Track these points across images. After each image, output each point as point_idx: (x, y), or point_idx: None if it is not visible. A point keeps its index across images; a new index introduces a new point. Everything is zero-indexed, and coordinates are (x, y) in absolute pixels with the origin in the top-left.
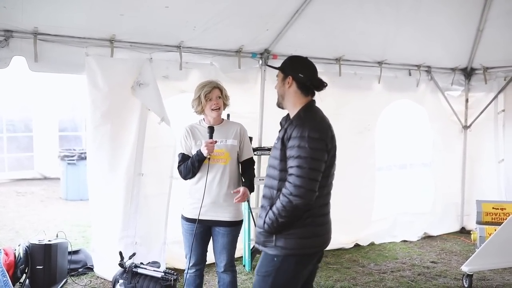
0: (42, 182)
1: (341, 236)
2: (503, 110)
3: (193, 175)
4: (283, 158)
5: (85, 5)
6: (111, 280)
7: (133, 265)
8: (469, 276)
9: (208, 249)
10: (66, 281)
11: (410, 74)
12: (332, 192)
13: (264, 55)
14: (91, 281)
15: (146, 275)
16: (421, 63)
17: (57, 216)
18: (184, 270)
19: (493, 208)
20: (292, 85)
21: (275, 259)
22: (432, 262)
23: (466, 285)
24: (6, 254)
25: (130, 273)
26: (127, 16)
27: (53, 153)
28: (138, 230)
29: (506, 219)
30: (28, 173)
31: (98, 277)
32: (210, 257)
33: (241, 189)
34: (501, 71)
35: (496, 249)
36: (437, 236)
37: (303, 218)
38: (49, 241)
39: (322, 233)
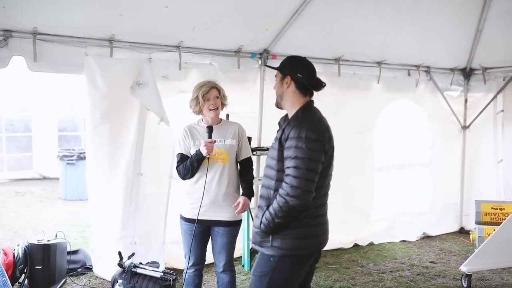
0: (41, 182)
1: (340, 236)
2: (502, 110)
3: (192, 175)
4: (281, 159)
5: (84, 5)
6: (110, 280)
7: (132, 265)
8: (468, 276)
9: (207, 249)
10: (65, 281)
11: (409, 74)
12: (331, 192)
13: (264, 55)
14: (90, 281)
15: (145, 275)
16: (420, 63)
17: (56, 216)
18: (183, 270)
19: (492, 208)
20: (291, 85)
21: (272, 259)
22: (431, 262)
23: (465, 285)
24: (5, 254)
25: (129, 273)
26: (127, 16)
27: (52, 153)
28: (137, 230)
29: (505, 219)
30: (27, 173)
31: (97, 277)
32: (209, 257)
33: (241, 200)
34: (500, 71)
35: (495, 249)
36: (436, 236)
37: (299, 219)
38: (48, 241)
39: (319, 234)
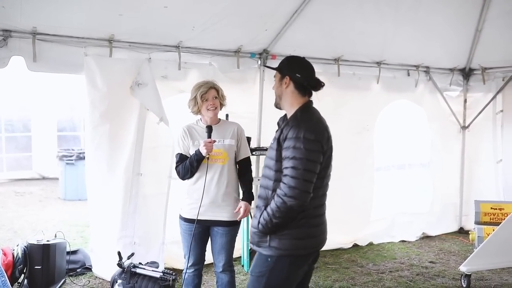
0: (41, 182)
1: (339, 236)
2: (502, 111)
3: (192, 175)
4: (279, 159)
5: (84, 5)
6: (109, 280)
7: (132, 265)
8: (468, 276)
9: (207, 249)
10: (65, 281)
11: (408, 75)
12: (331, 192)
13: (263, 55)
14: (89, 281)
15: (145, 275)
16: (420, 64)
17: (55, 216)
18: (183, 270)
19: (491, 208)
20: (290, 85)
21: (269, 259)
22: (430, 262)
23: (464, 285)
24: (5, 254)
25: (129, 273)
26: (126, 16)
27: (52, 153)
28: (137, 230)
29: (504, 219)
30: (26, 173)
31: (96, 277)
32: (209, 257)
33: (242, 206)
34: (499, 71)
35: (494, 249)
36: (435, 236)
37: (297, 219)
38: (48, 241)
39: (317, 234)
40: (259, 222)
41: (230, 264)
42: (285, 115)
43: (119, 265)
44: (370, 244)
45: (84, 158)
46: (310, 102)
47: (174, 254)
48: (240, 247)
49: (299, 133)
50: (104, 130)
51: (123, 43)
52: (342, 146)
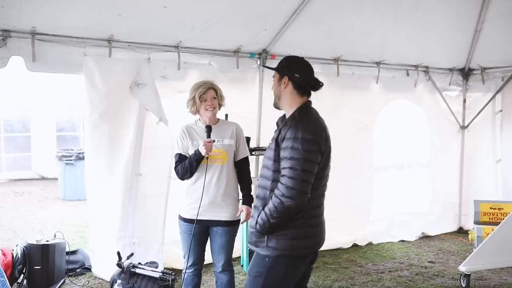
0: (40, 182)
1: (339, 236)
2: (501, 111)
3: (191, 175)
4: (277, 159)
5: (83, 5)
6: (109, 280)
7: (131, 265)
8: (467, 276)
9: (206, 249)
10: (64, 281)
11: (408, 75)
12: (330, 192)
13: (262, 55)
14: (89, 281)
15: (144, 275)
16: (419, 64)
17: (55, 216)
18: (182, 270)
19: (490, 208)
20: (288, 85)
21: (267, 259)
22: (430, 262)
23: (463, 285)
24: (4, 254)
25: (128, 273)
26: (125, 16)
27: (51, 153)
28: (136, 230)
29: (503, 219)
30: (25, 173)
31: (96, 277)
32: (208, 257)
33: (244, 210)
34: (498, 71)
35: (493, 249)
36: (434, 236)
37: (295, 219)
38: (47, 241)
39: (315, 235)
40: (256, 222)
41: (229, 264)
42: (284, 115)
43: (119, 265)
44: (370, 244)
45: (83, 158)
46: (308, 102)
47: (174, 254)
48: (240, 247)
49: (297, 134)
50: (104, 130)
51: (122, 43)
52: (341, 146)
